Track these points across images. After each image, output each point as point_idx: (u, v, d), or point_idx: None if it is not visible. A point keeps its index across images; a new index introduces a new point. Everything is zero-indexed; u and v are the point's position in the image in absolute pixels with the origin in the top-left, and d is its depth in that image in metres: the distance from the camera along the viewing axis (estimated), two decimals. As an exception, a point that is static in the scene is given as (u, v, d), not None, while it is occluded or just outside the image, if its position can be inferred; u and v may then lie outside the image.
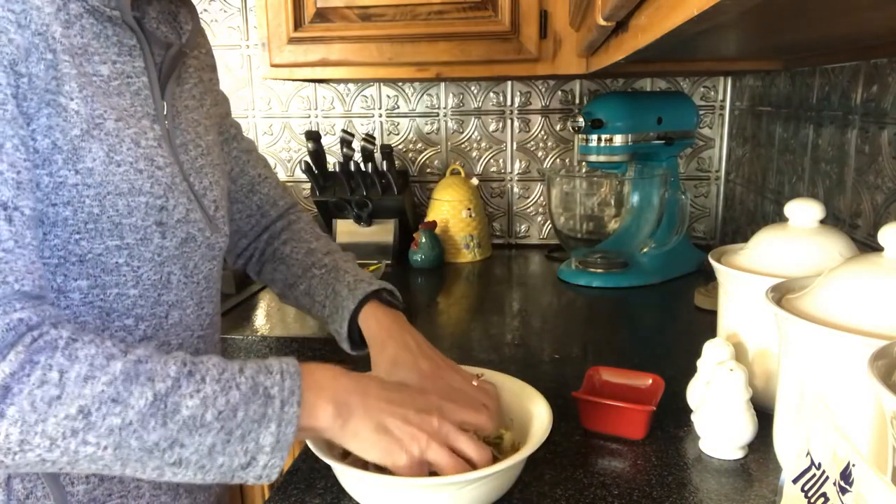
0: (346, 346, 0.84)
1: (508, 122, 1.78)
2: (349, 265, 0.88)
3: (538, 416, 0.70)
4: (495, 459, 0.65)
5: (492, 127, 1.78)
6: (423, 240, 1.59)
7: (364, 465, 0.66)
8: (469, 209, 1.66)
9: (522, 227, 1.84)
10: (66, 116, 0.59)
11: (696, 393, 0.80)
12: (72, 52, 0.60)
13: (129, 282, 0.66)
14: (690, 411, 0.79)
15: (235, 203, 0.92)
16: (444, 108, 1.79)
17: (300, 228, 0.94)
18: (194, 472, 0.56)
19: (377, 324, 0.81)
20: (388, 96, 1.80)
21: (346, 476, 0.65)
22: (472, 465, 0.63)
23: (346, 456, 0.69)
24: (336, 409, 0.60)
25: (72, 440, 0.52)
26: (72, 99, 0.59)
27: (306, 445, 0.69)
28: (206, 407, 0.56)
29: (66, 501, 0.65)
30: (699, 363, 0.81)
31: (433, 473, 0.63)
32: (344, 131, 1.57)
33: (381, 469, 0.63)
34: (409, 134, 1.82)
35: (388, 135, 1.82)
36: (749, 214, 1.53)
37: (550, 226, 1.78)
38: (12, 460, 0.52)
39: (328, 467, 0.69)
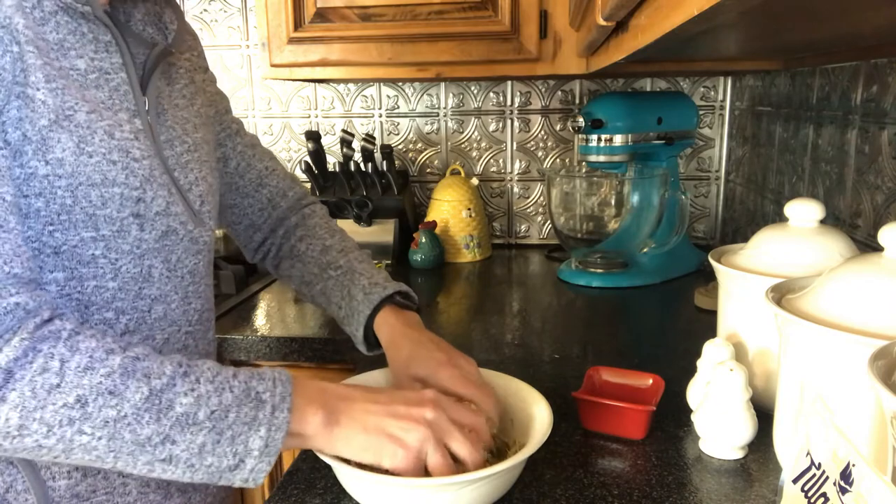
0: (362, 348, 0.85)
1: (508, 122, 1.78)
2: (364, 266, 0.89)
3: (538, 416, 0.70)
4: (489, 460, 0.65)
5: (492, 127, 1.78)
6: (423, 240, 1.59)
7: (363, 464, 0.66)
8: (469, 209, 1.66)
9: (522, 227, 1.84)
10: (33, 107, 0.59)
11: (696, 393, 0.80)
12: (38, 44, 0.60)
13: (107, 274, 0.66)
14: (690, 411, 0.79)
15: (246, 198, 0.93)
16: (444, 108, 1.79)
17: (314, 224, 0.94)
18: (183, 471, 0.57)
19: (391, 329, 0.82)
20: (388, 96, 1.80)
21: (346, 476, 0.65)
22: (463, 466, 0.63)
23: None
24: (325, 417, 0.61)
25: (68, 428, 0.54)
26: (38, 89, 0.59)
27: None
28: (199, 406, 0.57)
29: (47, 497, 0.65)
30: (699, 363, 0.81)
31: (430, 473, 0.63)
32: (344, 131, 1.57)
33: (381, 469, 0.63)
34: (409, 134, 1.82)
35: (388, 135, 1.82)
36: (749, 214, 1.53)
37: (550, 226, 1.78)
38: (11, 444, 0.54)
39: (328, 467, 0.70)
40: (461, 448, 0.63)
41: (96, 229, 0.64)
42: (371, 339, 0.85)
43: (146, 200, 0.67)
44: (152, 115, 0.71)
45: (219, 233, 1.58)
